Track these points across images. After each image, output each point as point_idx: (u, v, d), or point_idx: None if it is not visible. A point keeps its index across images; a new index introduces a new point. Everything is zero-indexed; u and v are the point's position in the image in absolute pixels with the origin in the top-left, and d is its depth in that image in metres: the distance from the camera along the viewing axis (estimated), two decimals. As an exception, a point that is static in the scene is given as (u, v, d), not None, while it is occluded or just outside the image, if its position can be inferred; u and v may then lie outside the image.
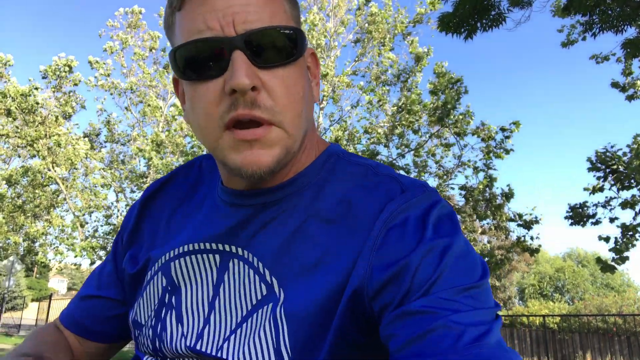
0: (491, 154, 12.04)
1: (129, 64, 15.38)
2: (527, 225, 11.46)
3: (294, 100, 0.63)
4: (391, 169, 0.72)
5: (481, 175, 12.31)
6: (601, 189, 9.72)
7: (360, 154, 12.08)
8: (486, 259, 12.08)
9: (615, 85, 10.62)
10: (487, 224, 12.93)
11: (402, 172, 12.68)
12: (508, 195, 11.87)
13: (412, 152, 12.84)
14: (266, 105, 0.60)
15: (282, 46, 0.62)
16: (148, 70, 15.09)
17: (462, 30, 5.95)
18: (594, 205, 12.12)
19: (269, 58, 0.61)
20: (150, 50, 15.53)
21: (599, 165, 11.45)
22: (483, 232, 12.47)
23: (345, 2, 13.18)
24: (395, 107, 12.56)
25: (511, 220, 11.73)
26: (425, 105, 11.95)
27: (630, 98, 10.03)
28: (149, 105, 14.47)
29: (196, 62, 0.61)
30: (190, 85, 0.64)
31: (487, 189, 12.14)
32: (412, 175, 12.59)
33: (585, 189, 9.78)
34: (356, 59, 13.10)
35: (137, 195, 14.58)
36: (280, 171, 0.68)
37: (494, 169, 11.94)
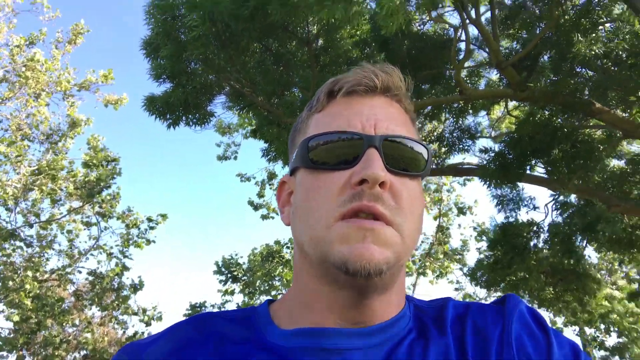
0: (130, 242, 11.63)
1: None
2: (149, 321, 11.24)
3: (415, 213, 0.62)
4: None
5: (114, 262, 11.60)
6: (232, 292, 10.71)
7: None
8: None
9: (250, 203, 12.45)
10: (104, 316, 12.01)
11: (22, 245, 10.58)
12: (137, 287, 11.50)
13: (39, 224, 11.00)
14: (390, 204, 0.59)
15: (413, 158, 0.63)
16: None
17: (168, 117, 5.90)
18: (211, 306, 13.13)
19: (400, 165, 0.61)
20: None
21: (223, 270, 12.74)
22: (102, 324, 11.42)
23: (4, 32, 11.01)
24: (34, 169, 10.73)
25: (135, 314, 11.28)
26: (74, 176, 10.73)
27: (264, 217, 11.90)
28: None
29: (328, 151, 0.62)
30: (311, 175, 0.63)
31: (116, 277, 11.47)
32: (35, 250, 10.64)
33: (219, 291, 10.53)
34: (-2, 99, 10.77)
35: None
36: (381, 300, 0.61)
37: (130, 258, 11.50)
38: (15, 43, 10.92)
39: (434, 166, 7.50)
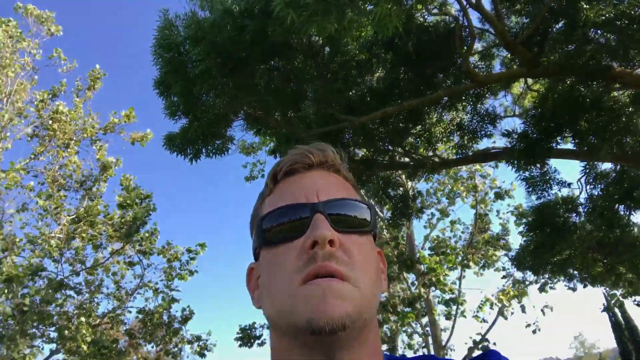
0: (174, 275, 11.88)
1: None
2: (201, 351, 11.41)
3: (370, 267, 0.66)
4: None
5: (160, 297, 11.86)
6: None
7: (21, 268, 9.88)
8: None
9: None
10: (159, 351, 12.25)
11: (72, 293, 10.96)
12: (187, 318, 11.70)
13: (86, 271, 11.36)
14: (343, 259, 0.62)
15: (357, 216, 0.68)
16: None
17: (189, 152, 6.02)
18: (260, 327, 13.20)
19: (346, 224, 0.66)
20: None
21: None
22: (157, 359, 11.66)
23: (27, 90, 11.54)
24: (73, 217, 11.12)
25: (190, 343, 11.48)
26: (111, 219, 11.07)
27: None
28: None
29: (280, 226, 0.67)
30: (270, 252, 0.67)
31: (165, 311, 11.71)
32: (85, 297, 10.99)
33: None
34: (32, 156, 11.27)
35: None
36: None
37: (177, 290, 11.74)
38: (39, 98, 11.43)
39: (460, 156, 7.36)
